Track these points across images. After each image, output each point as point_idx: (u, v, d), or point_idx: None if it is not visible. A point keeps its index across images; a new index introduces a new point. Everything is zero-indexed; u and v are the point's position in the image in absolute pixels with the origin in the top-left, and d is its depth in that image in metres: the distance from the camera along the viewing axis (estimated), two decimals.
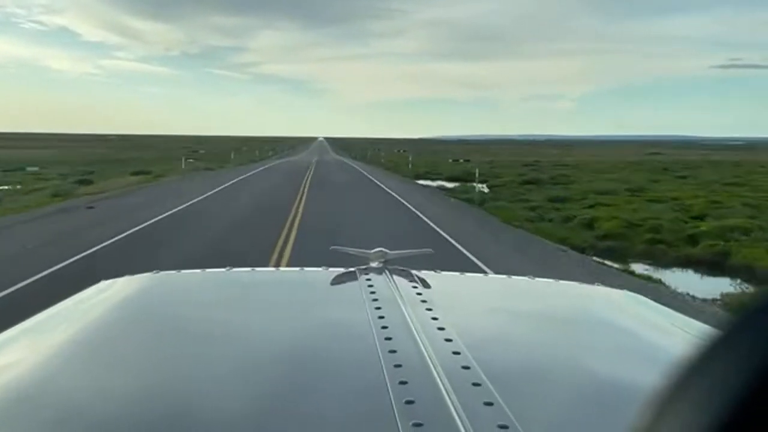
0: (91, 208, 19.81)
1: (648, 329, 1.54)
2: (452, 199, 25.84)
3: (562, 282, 1.92)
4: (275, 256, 12.04)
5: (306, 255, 11.39)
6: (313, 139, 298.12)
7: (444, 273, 1.86)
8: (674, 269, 14.37)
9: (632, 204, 24.03)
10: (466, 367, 1.04)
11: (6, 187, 29.42)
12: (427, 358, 1.07)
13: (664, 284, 11.86)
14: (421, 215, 18.52)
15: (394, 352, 1.11)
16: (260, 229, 15.27)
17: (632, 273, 12.96)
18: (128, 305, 1.58)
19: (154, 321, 1.46)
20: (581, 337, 1.42)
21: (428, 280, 1.66)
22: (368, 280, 1.60)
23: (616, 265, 13.66)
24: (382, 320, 1.27)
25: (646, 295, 1.90)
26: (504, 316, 1.56)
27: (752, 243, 15.39)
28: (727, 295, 11.30)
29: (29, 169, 40.34)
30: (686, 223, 19.08)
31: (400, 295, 1.45)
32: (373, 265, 1.78)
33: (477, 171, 31.70)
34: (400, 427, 0.87)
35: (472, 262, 11.62)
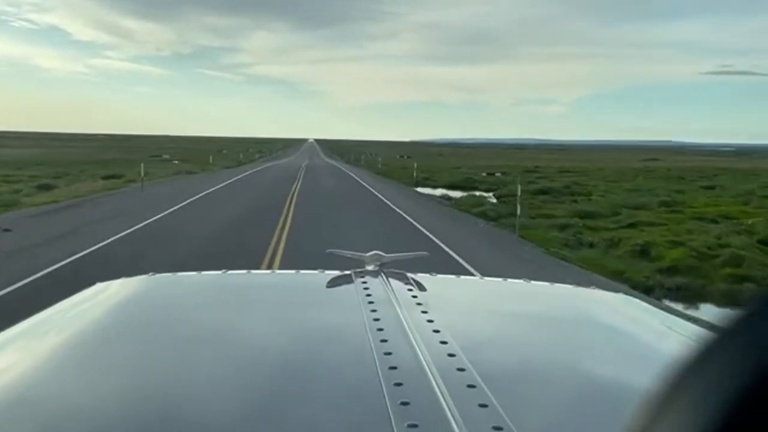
0: (7, 231, 14.84)
1: (644, 331, 1.55)
2: (464, 214, 22.24)
3: (557, 285, 1.93)
4: None
5: None
6: (302, 141, 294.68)
7: (439, 276, 1.86)
8: None
9: (681, 223, 20.40)
10: (461, 369, 1.04)
11: None
12: (423, 360, 1.07)
13: None
14: (437, 241, 14.88)
15: (390, 354, 1.11)
16: None
17: None
18: (124, 308, 1.58)
19: (150, 324, 1.45)
20: (577, 339, 1.41)
21: (424, 283, 1.66)
22: (364, 282, 1.60)
23: (704, 317, 10.08)
24: (377, 322, 1.27)
25: None
26: (499, 319, 1.56)
27: None
28: None
29: None
30: (761, 250, 15.50)
31: (396, 298, 1.45)
32: (369, 267, 1.79)
33: (516, 181, 28.04)
34: (395, 429, 0.87)
35: None
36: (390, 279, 1.64)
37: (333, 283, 1.68)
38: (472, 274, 10.86)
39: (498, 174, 46.88)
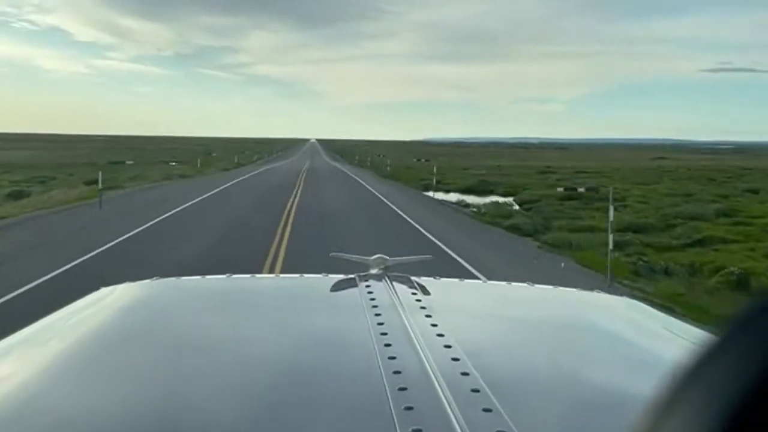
0: None
1: (647, 336, 1.54)
2: (496, 229, 18.70)
3: (561, 289, 1.93)
4: None
5: None
6: (304, 141, 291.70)
7: (444, 280, 1.86)
8: None
9: (762, 239, 17.04)
10: (466, 374, 1.04)
11: None
12: (427, 365, 1.07)
13: None
14: (465, 265, 11.60)
15: (394, 358, 1.11)
16: None
17: None
18: (128, 313, 1.58)
19: (154, 329, 1.44)
20: (581, 344, 1.40)
21: (428, 287, 1.66)
22: (368, 286, 1.61)
23: None
24: (381, 326, 1.27)
25: None
26: (503, 323, 1.55)
27: None
28: None
29: None
30: None
31: (400, 302, 1.45)
32: (373, 271, 1.79)
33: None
34: None
35: None
36: (394, 283, 1.65)
37: (337, 287, 1.68)
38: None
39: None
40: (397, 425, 0.89)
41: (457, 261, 12.35)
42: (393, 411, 0.93)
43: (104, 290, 1.74)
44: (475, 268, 11.54)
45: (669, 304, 10.03)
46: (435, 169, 35.13)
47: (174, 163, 55.58)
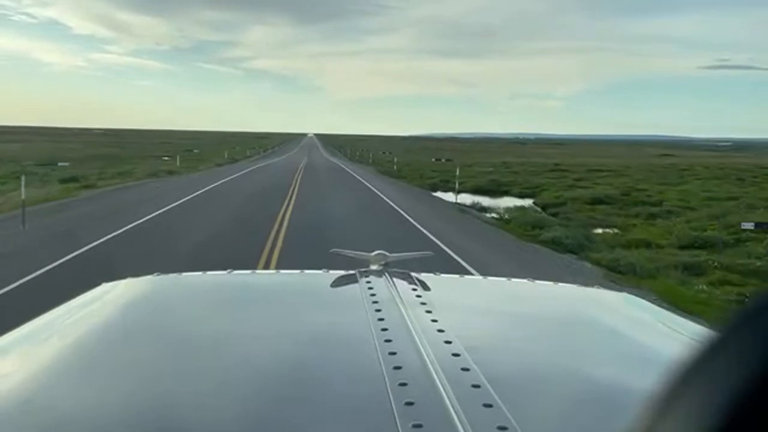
0: None
1: (647, 331, 1.54)
2: (535, 246, 15.19)
3: (561, 284, 1.93)
4: None
5: None
6: (303, 135, 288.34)
7: (444, 275, 1.86)
8: None
9: None
10: (466, 369, 1.04)
11: None
12: (427, 360, 1.07)
13: None
14: None
15: (394, 354, 1.11)
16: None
17: None
18: (130, 309, 1.58)
19: (156, 326, 1.45)
20: (581, 339, 1.41)
21: (428, 283, 1.65)
22: (368, 282, 1.60)
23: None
24: (381, 322, 1.27)
25: None
26: (504, 319, 1.56)
27: None
28: None
29: None
30: None
31: (400, 298, 1.45)
32: (373, 267, 1.78)
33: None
34: (399, 428, 0.87)
35: None
36: (394, 279, 1.64)
37: (337, 282, 1.68)
38: None
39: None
40: (397, 421, 0.89)
41: None
42: (393, 406, 0.92)
43: (105, 286, 1.73)
44: None
45: None
46: (458, 173, 30.51)
47: (167, 158, 53.56)
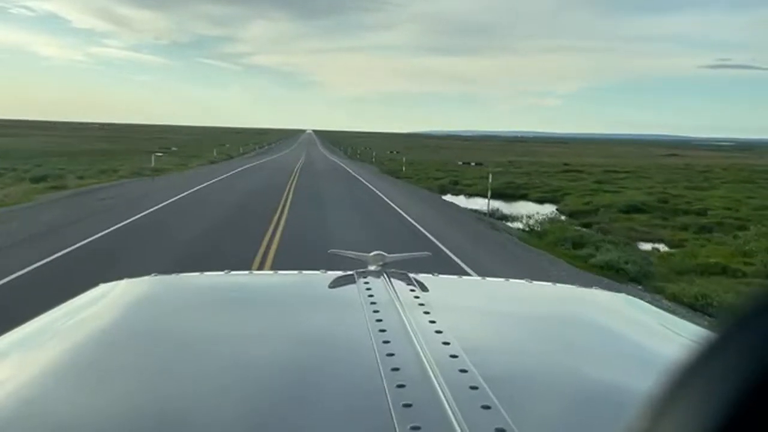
0: None
1: (646, 332, 1.54)
2: (589, 275, 11.64)
3: (560, 285, 1.93)
4: None
5: None
6: (301, 132, 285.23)
7: (442, 276, 1.86)
8: None
9: None
10: (464, 371, 1.04)
11: None
12: (425, 362, 1.07)
13: None
14: None
15: (392, 355, 1.11)
16: None
17: None
18: (128, 310, 1.57)
19: (153, 327, 1.44)
20: (579, 340, 1.40)
21: (426, 284, 1.65)
22: (366, 283, 1.60)
23: None
24: (379, 323, 1.27)
25: None
26: (502, 320, 1.55)
27: None
28: None
29: None
30: None
31: (398, 299, 1.45)
32: (372, 268, 1.78)
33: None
34: (397, 430, 0.87)
35: None
36: (392, 279, 1.64)
37: (335, 283, 1.67)
38: None
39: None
40: (395, 422, 0.88)
41: None
42: (391, 408, 0.92)
43: (103, 287, 1.73)
44: None
45: None
46: (490, 180, 25.89)
47: (160, 154, 51.79)
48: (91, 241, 12.16)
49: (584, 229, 18.38)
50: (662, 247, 17.06)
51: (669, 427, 0.37)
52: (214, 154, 49.65)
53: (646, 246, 17.06)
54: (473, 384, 0.98)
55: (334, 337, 1.31)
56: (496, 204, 27.94)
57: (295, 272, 1.86)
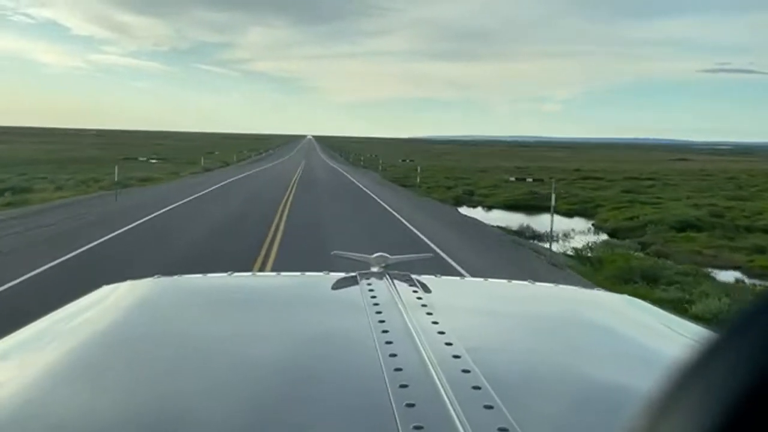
0: None
1: (647, 333, 1.54)
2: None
3: (561, 287, 1.93)
4: None
5: None
6: (301, 138, 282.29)
7: (444, 278, 1.85)
8: None
9: None
10: (467, 371, 1.04)
11: None
12: (428, 362, 1.07)
13: None
14: None
15: (395, 356, 1.10)
16: None
17: None
18: (131, 312, 1.57)
19: (157, 328, 1.44)
20: (581, 341, 1.40)
21: (429, 285, 1.65)
22: (369, 284, 1.60)
23: None
24: (382, 324, 1.27)
25: None
26: (504, 321, 1.55)
27: None
28: None
29: None
30: None
31: (401, 300, 1.45)
32: (374, 269, 1.78)
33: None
34: (400, 430, 0.87)
35: None
36: (395, 281, 1.63)
37: (338, 285, 1.66)
38: None
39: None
40: (398, 422, 0.88)
41: None
42: (394, 408, 0.92)
43: (106, 288, 1.72)
44: None
45: None
46: (554, 198, 21.96)
47: (154, 161, 49.60)
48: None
49: (653, 259, 14.99)
50: (746, 279, 13.77)
51: (670, 427, 0.37)
52: (202, 163, 44.48)
53: (725, 276, 13.81)
54: (476, 384, 0.98)
55: (337, 338, 1.30)
56: (520, 217, 24.78)
57: (298, 274, 1.85)
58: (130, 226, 15.25)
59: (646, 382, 0.91)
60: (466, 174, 47.34)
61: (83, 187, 28.99)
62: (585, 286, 10.04)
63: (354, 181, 35.76)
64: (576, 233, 20.85)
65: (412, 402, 0.93)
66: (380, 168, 47.47)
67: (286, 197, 23.21)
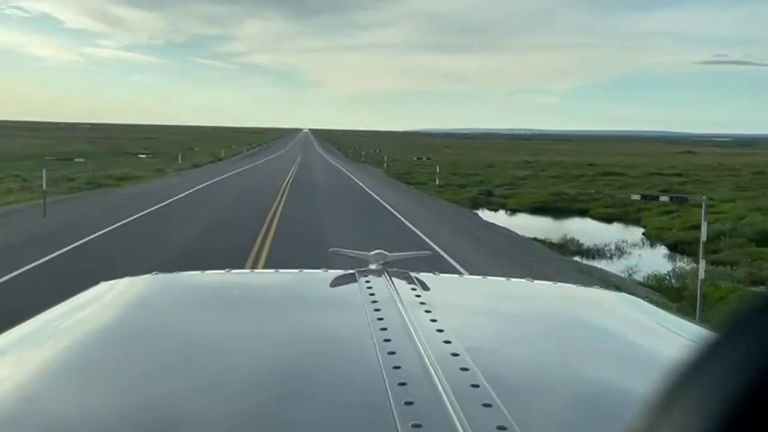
0: None
1: (645, 332, 1.54)
2: None
3: (560, 284, 1.92)
4: None
5: None
6: (297, 131, 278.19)
7: (443, 275, 1.85)
8: None
9: None
10: (465, 369, 1.03)
11: None
12: (426, 360, 1.07)
13: None
14: None
15: (393, 353, 1.10)
16: None
17: None
18: (129, 309, 1.57)
19: (155, 325, 1.44)
20: (579, 339, 1.40)
21: (427, 282, 1.64)
22: (367, 282, 1.59)
23: None
24: (381, 322, 1.27)
25: None
26: (503, 319, 1.55)
27: None
28: None
29: None
30: None
31: (399, 297, 1.44)
32: (373, 267, 1.77)
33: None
34: (399, 428, 0.87)
35: None
36: (393, 278, 1.62)
37: (336, 282, 1.66)
38: None
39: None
40: (396, 420, 0.88)
41: None
42: (392, 406, 0.92)
43: (104, 285, 1.71)
44: None
45: None
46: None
47: (143, 156, 46.94)
48: None
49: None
50: None
51: (668, 426, 0.37)
52: (179, 161, 36.12)
53: None
54: (474, 382, 0.98)
55: (335, 336, 1.30)
56: (554, 225, 21.09)
57: (296, 271, 1.85)
58: (65, 249, 11.20)
59: (645, 381, 0.91)
60: (473, 169, 43.56)
61: (50, 187, 25.63)
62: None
63: (358, 182, 31.34)
64: (630, 247, 17.16)
65: (410, 400, 0.92)
66: (385, 165, 43.05)
67: (276, 203, 19.21)
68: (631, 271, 13.28)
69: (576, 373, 1.18)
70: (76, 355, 1.21)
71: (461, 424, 0.86)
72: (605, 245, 16.65)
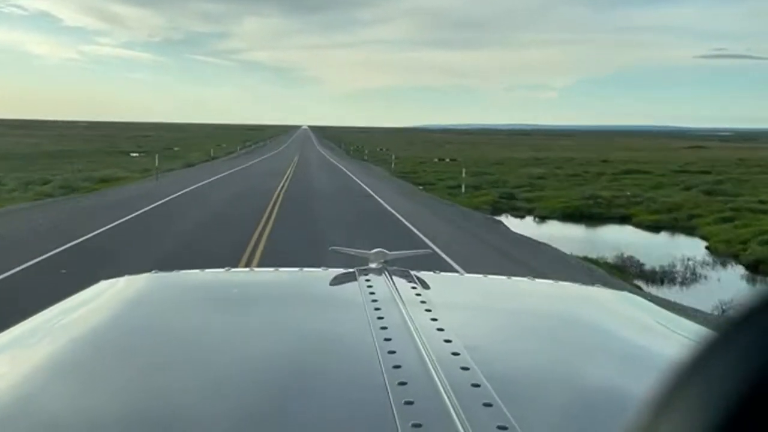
0: None
1: (647, 331, 1.53)
2: None
3: (561, 283, 1.91)
4: None
5: None
6: (296, 128, 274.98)
7: (443, 274, 1.85)
8: None
9: None
10: (466, 368, 1.03)
11: None
12: (427, 359, 1.07)
13: None
14: None
15: (393, 352, 1.10)
16: None
17: None
18: (128, 307, 1.57)
19: (155, 324, 1.44)
20: (580, 338, 1.40)
21: (427, 281, 1.64)
22: (367, 280, 1.59)
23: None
24: (381, 321, 1.26)
25: None
26: (503, 317, 1.55)
27: None
28: None
29: None
30: None
31: (400, 296, 1.44)
32: (373, 265, 1.76)
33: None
34: (399, 428, 0.87)
35: None
36: (394, 277, 1.62)
37: (337, 281, 1.65)
38: None
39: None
40: (397, 420, 0.88)
41: None
42: (393, 405, 0.92)
43: (104, 283, 1.71)
44: None
45: None
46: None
47: (135, 155, 46.33)
48: None
49: None
50: None
51: (669, 425, 0.37)
52: (156, 163, 29.45)
53: None
54: (475, 382, 0.98)
55: (335, 335, 1.30)
56: (596, 236, 18.09)
57: (296, 269, 1.85)
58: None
59: (644, 380, 0.92)
60: (482, 167, 40.42)
61: (19, 192, 22.74)
62: None
63: (362, 185, 27.77)
64: (700, 266, 14.09)
65: (410, 399, 0.92)
66: (392, 165, 39.56)
67: (266, 214, 15.93)
68: (723, 307, 10.25)
69: (577, 373, 1.17)
70: (75, 353, 1.20)
71: (461, 424, 0.86)
72: (670, 265, 13.63)
